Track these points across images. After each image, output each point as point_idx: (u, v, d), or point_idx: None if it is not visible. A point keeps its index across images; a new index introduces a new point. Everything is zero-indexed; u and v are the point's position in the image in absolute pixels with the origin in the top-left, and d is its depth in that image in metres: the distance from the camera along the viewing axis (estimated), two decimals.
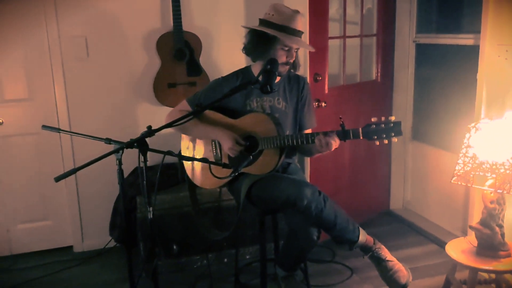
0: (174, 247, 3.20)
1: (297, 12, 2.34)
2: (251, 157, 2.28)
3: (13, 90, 3.37)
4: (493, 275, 2.43)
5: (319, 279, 3.08)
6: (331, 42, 3.38)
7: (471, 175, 2.19)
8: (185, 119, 1.98)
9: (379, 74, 3.71)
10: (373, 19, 3.66)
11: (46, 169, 3.49)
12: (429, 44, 3.74)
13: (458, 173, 2.24)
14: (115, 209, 3.18)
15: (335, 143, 2.21)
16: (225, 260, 3.30)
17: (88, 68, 3.41)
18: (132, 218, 3.16)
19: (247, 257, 3.36)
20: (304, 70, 3.18)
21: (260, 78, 2.16)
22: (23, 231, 3.55)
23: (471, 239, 2.39)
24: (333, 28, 3.51)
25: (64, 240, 3.64)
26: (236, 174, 2.11)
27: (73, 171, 1.97)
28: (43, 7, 3.26)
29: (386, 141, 2.15)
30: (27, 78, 3.37)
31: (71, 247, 3.64)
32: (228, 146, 2.36)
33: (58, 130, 2.14)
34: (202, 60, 3.43)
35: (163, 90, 3.39)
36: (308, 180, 3.33)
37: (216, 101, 2.12)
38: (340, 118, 2.22)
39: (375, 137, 2.14)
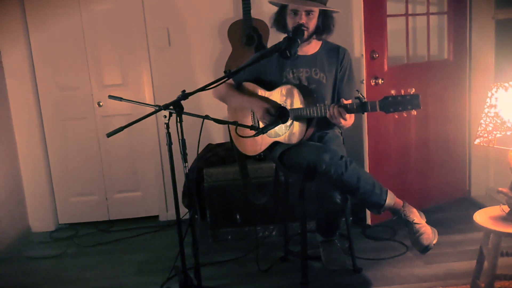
0: (238, 216, 3.47)
1: None
2: (280, 121, 2.48)
3: (110, 77, 3.94)
4: None
5: (371, 253, 3.10)
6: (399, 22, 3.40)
7: (493, 135, 2.10)
8: (217, 83, 2.26)
9: (451, 53, 3.59)
10: None
11: (137, 145, 4.01)
12: (510, 19, 3.52)
13: (481, 134, 2.17)
14: (186, 178, 3.53)
15: (343, 116, 2.28)
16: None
17: (170, 56, 3.85)
18: (201, 188, 3.49)
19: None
20: (360, 47, 3.24)
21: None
22: (119, 200, 4.11)
23: (505, 207, 2.28)
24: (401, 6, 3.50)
25: (152, 210, 4.12)
26: (260, 135, 2.35)
27: (121, 129, 2.38)
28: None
29: (405, 114, 2.15)
30: (121, 66, 3.92)
31: (157, 216, 4.12)
32: (259, 115, 2.57)
33: (120, 99, 2.58)
34: (270, 45, 3.64)
35: None
36: (366, 160, 3.37)
37: (241, 68, 2.38)
38: (357, 91, 2.29)
39: (392, 109, 2.14)
